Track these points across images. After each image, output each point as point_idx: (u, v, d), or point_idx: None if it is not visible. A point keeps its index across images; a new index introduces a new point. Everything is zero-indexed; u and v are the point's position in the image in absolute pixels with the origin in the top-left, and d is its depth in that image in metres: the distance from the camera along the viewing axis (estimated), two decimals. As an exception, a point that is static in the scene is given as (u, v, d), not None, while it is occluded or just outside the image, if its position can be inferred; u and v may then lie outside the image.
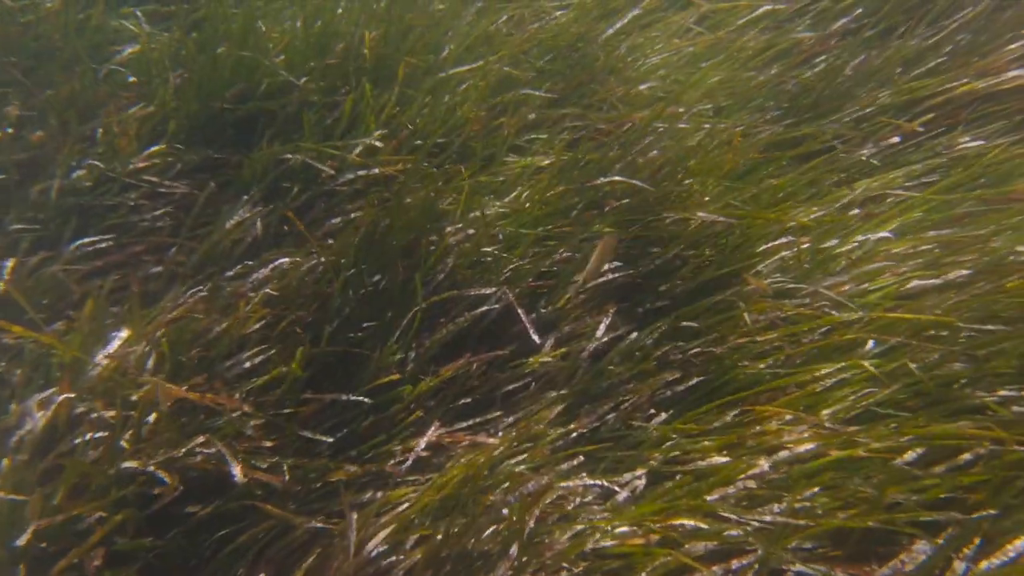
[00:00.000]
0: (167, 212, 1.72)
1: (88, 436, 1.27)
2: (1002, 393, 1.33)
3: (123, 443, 1.26)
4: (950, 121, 2.40)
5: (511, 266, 1.67)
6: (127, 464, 1.23)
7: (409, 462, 1.36)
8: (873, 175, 2.14)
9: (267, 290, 1.55)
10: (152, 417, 1.31)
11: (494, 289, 1.60)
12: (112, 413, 1.29)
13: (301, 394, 1.46)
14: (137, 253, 1.62)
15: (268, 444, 1.35)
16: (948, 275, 1.60)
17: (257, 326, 1.50)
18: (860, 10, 2.88)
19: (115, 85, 1.95)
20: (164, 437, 1.30)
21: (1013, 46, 2.33)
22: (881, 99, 2.44)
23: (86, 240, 1.62)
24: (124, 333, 1.41)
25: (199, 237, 1.69)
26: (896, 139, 2.32)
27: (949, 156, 2.26)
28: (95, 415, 1.29)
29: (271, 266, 1.62)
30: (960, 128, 2.33)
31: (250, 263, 1.66)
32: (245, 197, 1.76)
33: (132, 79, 1.95)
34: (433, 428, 1.41)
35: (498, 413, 1.52)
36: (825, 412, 1.42)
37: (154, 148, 1.82)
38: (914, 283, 1.58)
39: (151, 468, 1.23)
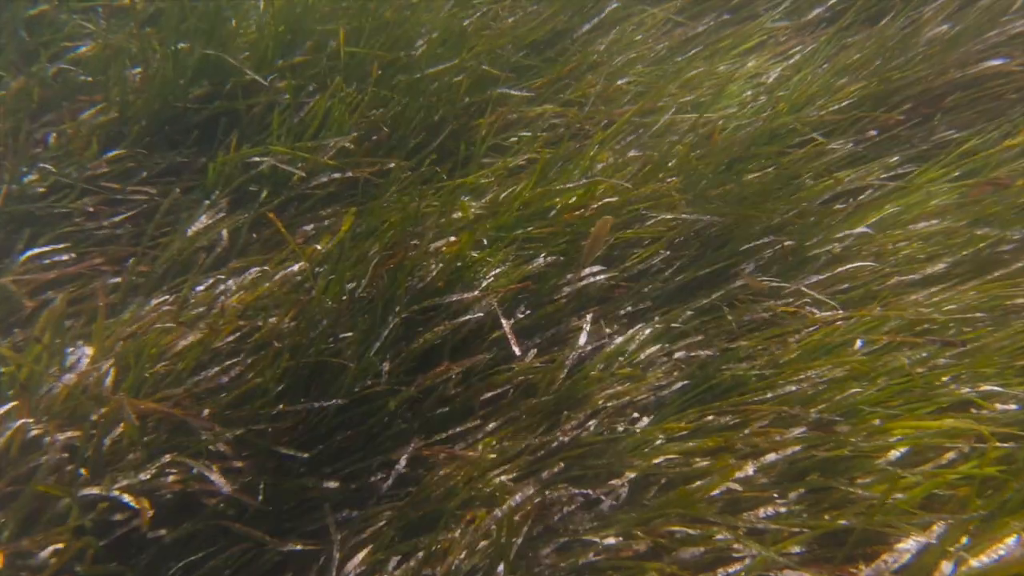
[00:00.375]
0: (128, 219, 1.63)
1: (44, 459, 1.19)
2: (984, 388, 1.33)
3: (83, 470, 1.19)
4: (928, 110, 2.41)
5: (493, 271, 1.62)
6: (88, 491, 1.16)
7: (390, 480, 1.31)
8: (852, 167, 2.13)
9: (237, 300, 1.48)
10: (117, 433, 1.24)
11: (476, 294, 1.55)
12: (71, 434, 1.22)
13: (275, 408, 1.40)
14: (95, 264, 1.53)
15: (240, 464, 1.30)
16: (927, 270, 1.60)
17: (230, 338, 1.43)
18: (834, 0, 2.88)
19: (70, 85, 1.85)
20: (129, 459, 1.24)
21: (990, 34, 2.33)
22: (859, 90, 2.44)
23: (38, 250, 1.53)
24: (84, 349, 1.34)
25: (163, 246, 1.61)
26: (874, 132, 2.32)
27: (926, 147, 2.26)
28: (53, 437, 1.21)
29: (244, 275, 1.55)
30: (937, 117, 2.34)
31: (218, 272, 1.59)
32: (207, 202, 1.68)
33: (86, 78, 1.85)
34: (412, 444, 1.37)
35: (478, 422, 1.48)
36: (812, 411, 1.40)
37: (113, 152, 1.73)
38: (895, 279, 1.58)
39: (115, 493, 1.16)
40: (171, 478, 1.26)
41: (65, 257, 1.53)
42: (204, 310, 1.47)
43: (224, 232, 1.63)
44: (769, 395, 1.37)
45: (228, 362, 1.41)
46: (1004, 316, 1.40)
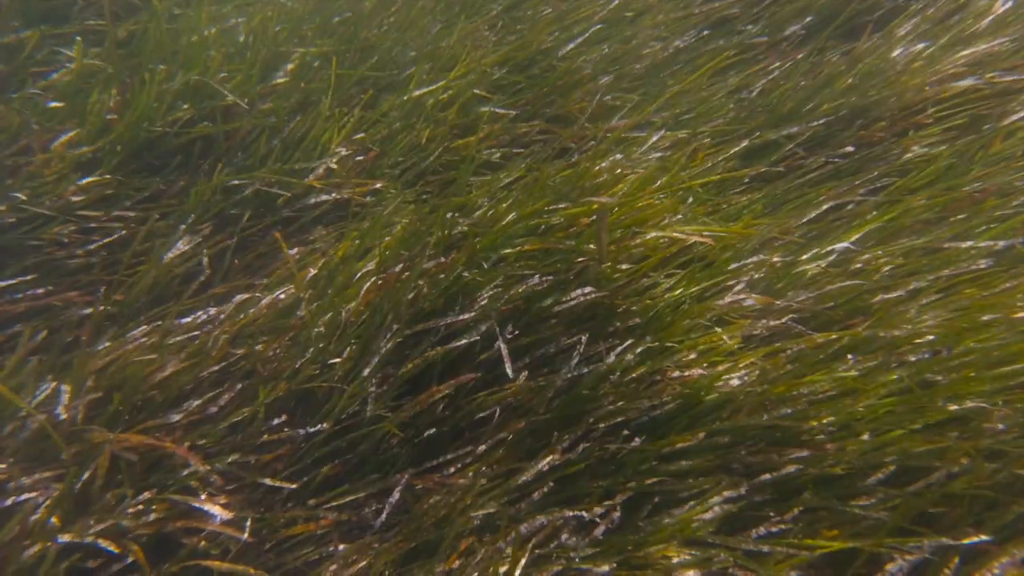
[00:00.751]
0: (103, 247, 1.59)
1: (11, 500, 1.14)
2: (970, 404, 1.34)
3: (54, 518, 1.14)
4: (903, 125, 2.46)
5: (487, 292, 1.60)
6: (61, 538, 1.11)
7: (383, 516, 1.28)
8: (831, 183, 2.17)
9: (223, 328, 1.44)
10: (91, 472, 1.19)
11: (472, 315, 1.53)
12: (41, 476, 1.17)
13: (261, 437, 1.36)
14: (68, 296, 1.48)
15: (224, 500, 1.25)
16: (909, 287, 1.62)
17: (215, 368, 1.39)
18: (810, 17, 2.94)
19: (44, 111, 1.80)
20: (103, 502, 1.19)
21: (963, 53, 2.40)
22: (837, 106, 2.48)
23: (6, 282, 1.48)
24: (59, 386, 1.29)
25: (140, 274, 1.56)
26: (851, 148, 2.36)
27: (903, 162, 2.31)
28: (18, 482, 1.16)
29: (228, 302, 1.51)
30: (911, 133, 2.39)
31: (201, 298, 1.55)
32: (183, 227, 1.64)
33: (56, 103, 1.80)
34: (403, 475, 1.34)
35: (469, 448, 1.45)
36: (804, 428, 1.40)
37: (88, 179, 1.68)
38: (879, 297, 1.59)
39: (89, 539, 1.11)
40: (152, 515, 1.21)
41: (39, 290, 1.48)
42: (186, 338, 1.43)
43: (205, 258, 1.60)
44: (765, 417, 1.37)
45: (213, 392, 1.37)
46: (986, 329, 1.42)
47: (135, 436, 1.24)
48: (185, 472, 1.25)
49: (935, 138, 2.39)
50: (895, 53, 2.57)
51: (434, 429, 1.44)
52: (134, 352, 1.36)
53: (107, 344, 1.39)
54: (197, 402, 1.33)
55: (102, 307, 1.45)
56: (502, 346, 1.45)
